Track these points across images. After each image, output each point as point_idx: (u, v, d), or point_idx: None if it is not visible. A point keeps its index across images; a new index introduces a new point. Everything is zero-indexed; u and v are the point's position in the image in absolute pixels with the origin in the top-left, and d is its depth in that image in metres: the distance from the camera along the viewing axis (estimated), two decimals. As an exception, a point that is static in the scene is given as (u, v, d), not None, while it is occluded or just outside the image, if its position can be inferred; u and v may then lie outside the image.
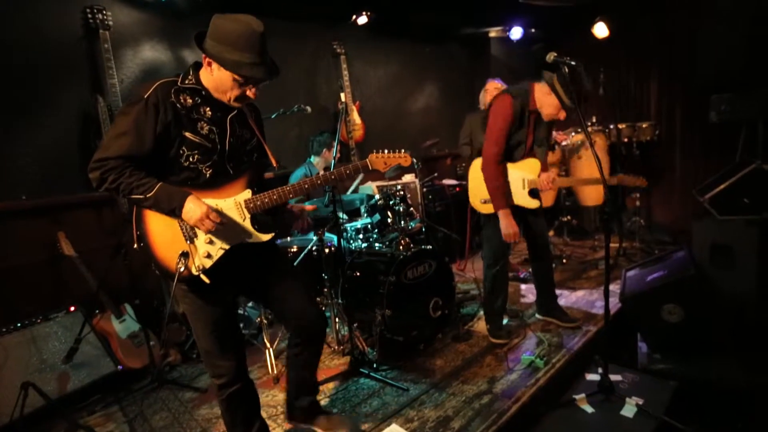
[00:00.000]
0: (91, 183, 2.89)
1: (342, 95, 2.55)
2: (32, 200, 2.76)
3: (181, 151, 1.49)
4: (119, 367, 2.70)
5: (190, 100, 1.51)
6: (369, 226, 3.27)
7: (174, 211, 1.46)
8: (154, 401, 2.56)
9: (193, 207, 1.45)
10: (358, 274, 2.93)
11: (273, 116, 3.17)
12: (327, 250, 2.86)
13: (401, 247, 2.88)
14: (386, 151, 1.69)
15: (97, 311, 2.78)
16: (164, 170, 1.49)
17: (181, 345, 3.03)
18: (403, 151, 1.69)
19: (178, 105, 1.48)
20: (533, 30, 5.39)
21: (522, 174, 2.70)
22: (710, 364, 2.50)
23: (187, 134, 1.49)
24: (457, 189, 4.80)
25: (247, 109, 1.69)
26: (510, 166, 2.70)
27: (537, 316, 3.12)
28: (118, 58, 3.04)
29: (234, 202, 1.56)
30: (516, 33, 5.26)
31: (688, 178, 4.74)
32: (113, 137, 1.43)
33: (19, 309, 2.64)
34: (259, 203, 1.58)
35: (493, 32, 5.50)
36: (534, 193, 2.73)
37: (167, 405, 2.52)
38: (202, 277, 1.47)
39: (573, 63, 2.23)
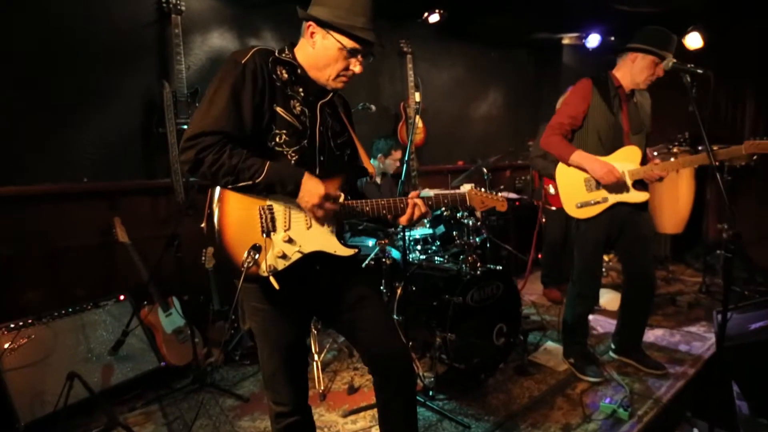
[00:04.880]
0: (153, 169, 2.78)
1: (417, 95, 2.35)
2: (92, 183, 2.73)
3: (269, 128, 1.31)
4: (162, 363, 2.60)
5: (286, 75, 1.35)
6: (429, 237, 3.05)
7: (289, 194, 1.31)
8: (195, 405, 2.43)
9: (311, 189, 1.29)
10: (414, 288, 2.72)
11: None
12: (387, 262, 2.64)
13: (468, 265, 2.63)
14: (483, 189, 1.58)
15: (145, 302, 2.70)
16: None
17: (225, 345, 2.90)
18: (500, 194, 1.59)
19: (274, 76, 1.32)
20: (612, 38, 4.99)
21: (621, 165, 2.33)
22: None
23: (279, 109, 1.31)
24: (517, 203, 4.50)
25: (338, 101, 1.53)
26: (605, 160, 2.36)
27: (611, 354, 2.78)
28: (186, 45, 2.98)
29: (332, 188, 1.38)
30: (593, 41, 4.88)
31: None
32: (207, 109, 1.24)
33: (70, 291, 2.61)
34: (350, 211, 1.39)
35: (567, 39, 5.15)
36: (639, 184, 2.39)
37: (207, 411, 2.38)
38: (272, 280, 1.28)
39: (700, 71, 1.91)
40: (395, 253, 2.87)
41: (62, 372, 2.15)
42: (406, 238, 2.96)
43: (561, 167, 2.45)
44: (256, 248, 1.27)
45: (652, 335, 3.06)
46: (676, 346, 2.92)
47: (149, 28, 2.89)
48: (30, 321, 2.30)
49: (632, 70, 2.34)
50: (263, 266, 1.29)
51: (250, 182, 1.24)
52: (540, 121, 4.20)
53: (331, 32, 1.31)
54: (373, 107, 3.07)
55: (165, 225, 2.95)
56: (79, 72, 2.67)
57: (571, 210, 2.43)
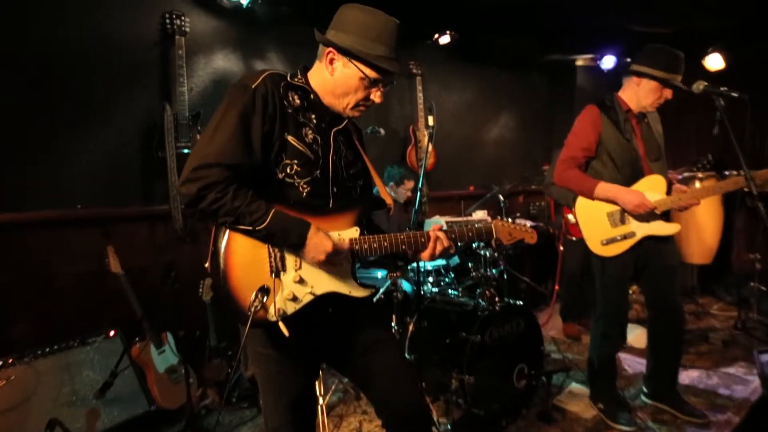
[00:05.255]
0: (151, 195, 2.70)
1: (430, 118, 2.32)
2: (86, 210, 2.67)
3: (279, 158, 1.25)
4: (153, 406, 2.46)
5: (298, 101, 1.32)
6: (442, 269, 2.96)
7: (291, 248, 1.24)
8: (187, 453, 2.28)
9: (317, 245, 1.23)
10: (427, 324, 2.61)
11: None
12: (398, 296, 2.53)
13: (485, 299, 2.53)
14: (509, 219, 1.54)
15: (137, 339, 2.58)
16: (251, 183, 1.23)
17: (222, 385, 2.76)
18: (529, 224, 1.50)
19: (285, 102, 1.28)
20: (628, 59, 4.99)
21: (647, 196, 2.24)
22: None
23: (290, 138, 1.27)
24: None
25: (351, 128, 1.48)
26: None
27: (644, 399, 2.61)
28: (189, 66, 2.97)
29: (338, 239, 1.30)
30: (608, 62, 4.88)
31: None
32: (212, 136, 1.19)
33: (57, 325, 2.50)
34: (366, 246, 1.32)
35: (581, 60, 5.16)
36: (665, 214, 2.28)
37: (201, 461, 2.22)
38: (281, 326, 1.22)
39: (735, 94, 1.84)
40: (406, 285, 2.77)
41: (43, 417, 2.03)
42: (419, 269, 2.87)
43: (581, 202, 2.34)
44: (264, 290, 1.21)
45: (687, 377, 2.89)
46: (715, 390, 2.74)
47: (152, 49, 2.89)
48: (11, 361, 2.18)
49: (638, 93, 2.27)
50: (271, 310, 1.22)
51: (250, 228, 1.19)
52: (554, 145, 4.14)
53: (354, 61, 1.28)
54: (382, 131, 2.99)
55: (161, 254, 2.87)
56: (78, 90, 2.64)
57: (596, 248, 2.31)
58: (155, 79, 2.91)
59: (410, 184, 3.37)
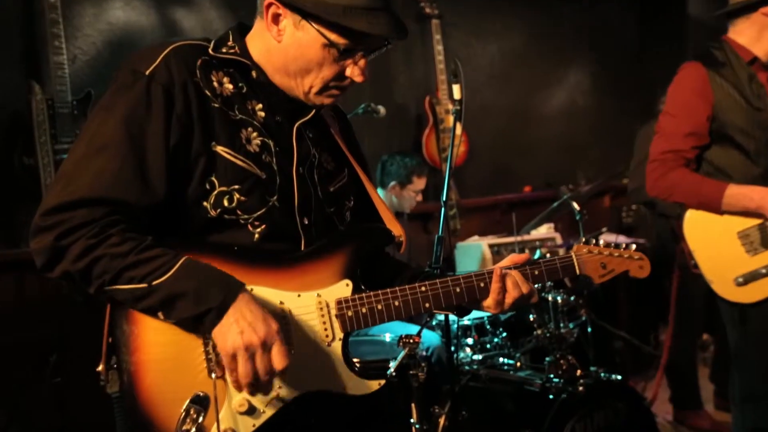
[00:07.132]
0: (15, 229, 2.72)
1: (456, 89, 2.33)
2: None
3: (207, 185, 1.23)
4: None
5: (231, 85, 1.30)
6: (488, 323, 3.03)
7: (202, 318, 1.17)
8: None
9: (249, 317, 1.15)
10: (467, 415, 2.61)
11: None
12: (420, 376, 2.54)
13: (560, 373, 2.60)
14: (601, 243, 1.50)
15: (-1, 465, 2.59)
16: (166, 229, 1.23)
17: None
18: (634, 247, 1.51)
19: (207, 91, 1.25)
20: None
21: None
22: None
23: (221, 149, 1.24)
24: (628, 252, 4.41)
25: (327, 115, 1.48)
26: None
27: None
28: (69, 21, 3.03)
29: (316, 303, 1.30)
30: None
31: None
32: (82, 160, 1.17)
33: None
34: (365, 311, 1.31)
35: (693, -21, 5.29)
36: None
37: None
38: None
39: None
40: (429, 337, 2.81)
41: None
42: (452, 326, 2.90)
43: (692, 217, 2.36)
44: (200, 401, 1.20)
45: None
46: None
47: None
48: None
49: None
50: None
51: (142, 285, 1.13)
52: (649, 116, 4.17)
53: (311, 22, 1.24)
54: (382, 109, 3.04)
55: (35, 325, 2.89)
56: None
57: (727, 290, 2.31)
58: (14, 45, 2.97)
59: (421, 183, 3.39)
